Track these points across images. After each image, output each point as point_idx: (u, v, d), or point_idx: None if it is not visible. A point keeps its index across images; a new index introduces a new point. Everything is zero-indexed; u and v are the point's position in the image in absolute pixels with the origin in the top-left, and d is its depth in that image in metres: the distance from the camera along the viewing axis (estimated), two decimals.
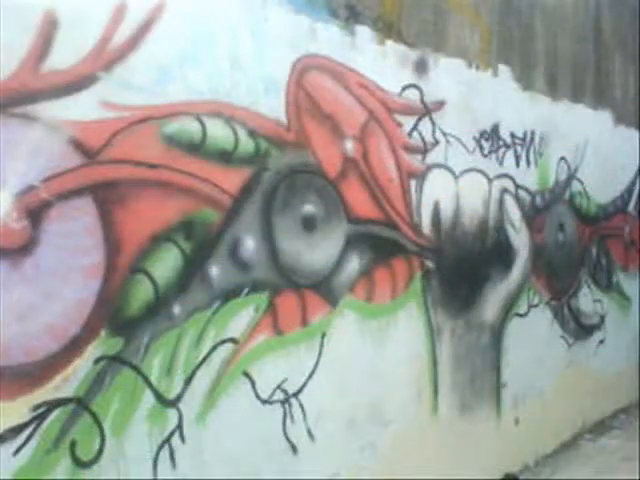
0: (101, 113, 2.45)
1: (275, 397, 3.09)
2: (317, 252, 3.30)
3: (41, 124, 2.27)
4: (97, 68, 2.43)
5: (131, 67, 2.53)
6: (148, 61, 2.59)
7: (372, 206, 3.62)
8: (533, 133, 5.01)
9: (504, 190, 4.69)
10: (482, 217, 4.47)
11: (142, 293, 2.57)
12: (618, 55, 6.30)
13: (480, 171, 4.47)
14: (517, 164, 4.85)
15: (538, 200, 5.10)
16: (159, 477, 2.62)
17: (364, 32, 3.58)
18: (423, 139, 3.97)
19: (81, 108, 2.38)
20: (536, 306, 5.09)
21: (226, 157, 2.87)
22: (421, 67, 3.97)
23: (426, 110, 3.99)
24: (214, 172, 2.82)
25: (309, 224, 3.26)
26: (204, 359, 2.80)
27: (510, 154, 4.77)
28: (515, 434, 4.86)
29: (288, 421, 3.15)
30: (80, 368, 2.37)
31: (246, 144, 2.96)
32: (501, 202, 4.66)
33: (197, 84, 2.78)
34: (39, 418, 2.26)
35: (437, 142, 4.07)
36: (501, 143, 4.67)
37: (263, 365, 3.03)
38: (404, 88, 3.85)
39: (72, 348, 2.35)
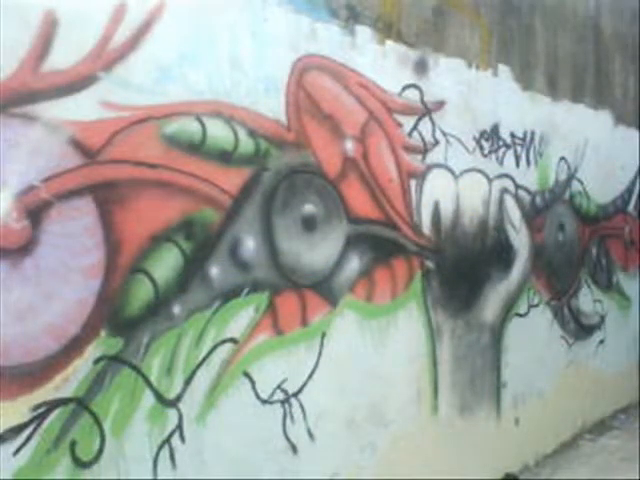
0: (101, 113, 2.45)
1: (275, 397, 3.09)
2: (317, 252, 3.30)
3: (41, 124, 2.28)
4: (97, 68, 2.43)
5: (131, 67, 2.54)
6: (148, 61, 2.59)
7: (372, 206, 3.62)
8: (533, 133, 5.01)
9: (504, 190, 4.69)
10: (482, 217, 4.46)
11: (142, 293, 2.57)
12: (618, 55, 6.30)
13: (480, 171, 4.47)
14: (517, 164, 4.85)
15: (538, 200, 5.10)
16: (159, 477, 2.62)
17: (364, 32, 3.58)
18: (423, 139, 3.97)
19: (81, 108, 2.39)
20: (536, 306, 5.09)
21: (226, 157, 2.87)
22: (421, 67, 3.97)
23: (426, 110, 3.99)
24: (214, 172, 2.82)
25: (309, 224, 3.26)
26: (204, 359, 2.80)
27: (510, 154, 4.76)
28: (515, 434, 4.86)
29: (288, 421, 3.15)
30: (80, 368, 2.38)
31: (246, 144, 2.96)
32: (501, 202, 4.66)
33: (197, 84, 2.78)
34: (39, 418, 2.27)
35: (437, 142, 4.07)
36: (501, 143, 4.67)
37: (263, 365, 3.03)
38: (404, 88, 3.85)
39: (72, 348, 2.35)
